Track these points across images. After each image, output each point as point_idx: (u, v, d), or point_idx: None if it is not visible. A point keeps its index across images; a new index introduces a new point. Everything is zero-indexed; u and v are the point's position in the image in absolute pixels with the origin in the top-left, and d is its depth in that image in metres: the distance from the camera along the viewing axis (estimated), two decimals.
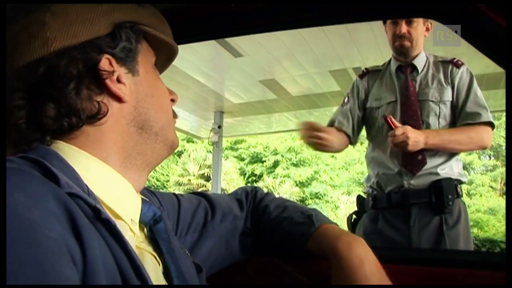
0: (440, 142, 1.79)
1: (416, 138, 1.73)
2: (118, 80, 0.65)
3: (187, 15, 0.80)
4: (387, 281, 0.69)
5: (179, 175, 18.06)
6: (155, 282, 0.59)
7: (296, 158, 19.67)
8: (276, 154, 20.05)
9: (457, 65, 1.90)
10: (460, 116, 1.86)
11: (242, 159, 21.01)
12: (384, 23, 1.94)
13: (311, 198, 18.72)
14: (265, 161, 20.05)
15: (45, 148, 0.60)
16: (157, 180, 19.39)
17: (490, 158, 23.28)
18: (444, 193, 1.77)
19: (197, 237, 0.87)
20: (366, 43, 4.75)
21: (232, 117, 8.18)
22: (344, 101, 2.07)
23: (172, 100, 0.77)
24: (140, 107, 0.68)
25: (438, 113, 1.85)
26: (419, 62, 1.93)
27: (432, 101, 1.86)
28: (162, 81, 0.75)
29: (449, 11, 0.81)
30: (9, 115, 0.61)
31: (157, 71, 0.75)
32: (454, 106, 1.88)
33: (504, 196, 18.40)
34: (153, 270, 0.63)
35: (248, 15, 0.95)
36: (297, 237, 0.82)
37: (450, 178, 1.82)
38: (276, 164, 19.82)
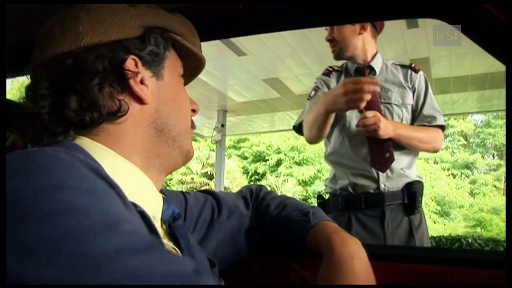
0: (406, 133, 1.80)
1: (386, 122, 1.75)
2: (142, 82, 0.66)
3: (194, 16, 0.81)
4: (373, 282, 0.70)
5: (182, 173, 18.05)
6: None
7: (299, 157, 19.67)
8: (279, 152, 20.05)
9: (416, 70, 1.94)
10: (418, 118, 1.90)
11: (245, 158, 21.03)
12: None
13: (314, 197, 18.69)
14: (268, 159, 20.06)
15: (70, 142, 0.62)
16: None
17: (493, 158, 23.22)
18: (417, 195, 1.81)
19: (204, 234, 0.88)
20: None
21: (235, 115, 8.19)
22: (310, 94, 2.02)
23: (193, 111, 0.79)
24: (161, 110, 0.69)
25: (401, 116, 1.88)
26: (376, 64, 1.93)
27: (396, 105, 1.89)
28: (185, 90, 0.77)
29: (451, 10, 0.81)
30: (33, 104, 0.63)
31: (182, 80, 0.77)
32: (413, 110, 1.92)
33: None
34: None
35: (255, 15, 0.95)
36: (296, 235, 0.83)
37: (419, 181, 1.87)
38: (279, 162, 19.84)
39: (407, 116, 1.90)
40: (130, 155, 0.65)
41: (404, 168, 1.86)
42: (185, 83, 0.81)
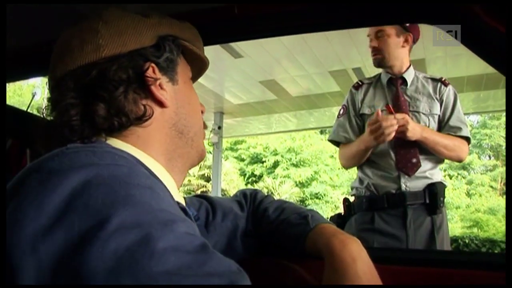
0: (432, 138, 1.89)
1: (414, 125, 1.85)
2: (161, 87, 0.71)
3: (192, 21, 0.82)
4: (378, 281, 0.69)
5: None
6: None
7: (296, 158, 19.67)
8: (276, 154, 20.05)
9: (445, 83, 2.04)
10: (444, 128, 2.00)
11: (242, 160, 21.02)
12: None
13: (311, 199, 18.72)
14: (265, 161, 20.04)
15: (103, 143, 0.65)
16: None
17: (490, 158, 23.30)
18: (438, 195, 1.90)
19: None
20: (365, 44, 4.67)
21: (232, 117, 8.19)
22: (340, 112, 2.14)
23: (202, 112, 0.83)
24: (180, 112, 0.75)
25: (427, 125, 1.98)
26: (409, 76, 2.04)
27: (423, 113, 1.99)
28: (195, 92, 0.82)
29: (446, 16, 0.82)
30: (62, 113, 0.66)
31: (191, 83, 0.83)
32: (440, 120, 2.02)
33: (504, 196, 18.42)
34: None
35: (252, 20, 0.96)
36: (295, 238, 0.83)
37: (442, 182, 1.96)
38: (276, 164, 19.83)
39: (434, 125, 2.00)
40: (157, 156, 0.70)
41: (427, 171, 1.95)
42: None
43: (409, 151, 1.92)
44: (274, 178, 19.20)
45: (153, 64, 0.70)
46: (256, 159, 20.58)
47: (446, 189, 1.98)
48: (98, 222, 0.44)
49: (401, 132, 1.81)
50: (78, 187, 0.47)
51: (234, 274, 0.47)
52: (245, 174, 20.38)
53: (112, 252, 0.42)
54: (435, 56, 5.43)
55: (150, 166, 0.63)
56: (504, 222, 15.44)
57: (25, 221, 0.45)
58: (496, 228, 15.97)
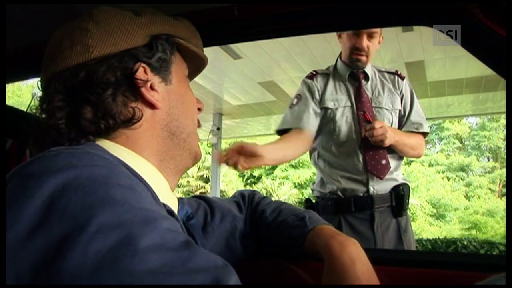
0: (401, 140, 1.84)
1: (391, 132, 1.78)
2: (152, 88, 0.69)
3: (191, 21, 0.82)
4: (377, 283, 0.70)
5: None
6: None
7: (294, 159, 19.67)
8: None
9: (401, 77, 1.99)
10: (405, 124, 1.95)
11: None
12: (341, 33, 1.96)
13: None
14: None
15: (94, 144, 0.64)
16: None
17: (488, 160, 23.33)
18: (405, 197, 1.85)
19: None
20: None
21: (231, 119, 8.20)
22: (293, 102, 2.00)
23: (199, 109, 0.81)
24: (172, 113, 0.72)
25: (391, 121, 1.91)
26: (369, 70, 1.97)
27: (386, 109, 1.92)
28: (191, 91, 0.79)
29: (445, 18, 0.82)
30: (49, 116, 0.65)
31: (188, 81, 0.80)
32: (400, 115, 1.96)
33: (503, 198, 18.44)
34: None
35: (251, 22, 0.96)
36: (293, 240, 0.84)
37: (406, 183, 1.90)
38: (274, 165, 19.81)
39: (396, 120, 1.93)
40: (148, 157, 0.68)
41: (393, 172, 1.88)
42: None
43: (377, 152, 1.84)
44: (273, 179, 19.21)
45: (144, 65, 0.69)
46: None
47: (410, 190, 1.93)
48: (78, 226, 0.43)
49: (381, 141, 1.76)
50: (56, 191, 0.46)
51: (220, 268, 0.46)
52: (244, 175, 20.37)
53: (94, 254, 0.42)
54: (434, 58, 5.44)
55: (139, 167, 0.63)
56: (502, 224, 15.46)
57: (7, 227, 0.44)
58: (494, 230, 16.00)
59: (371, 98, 1.92)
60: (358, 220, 1.84)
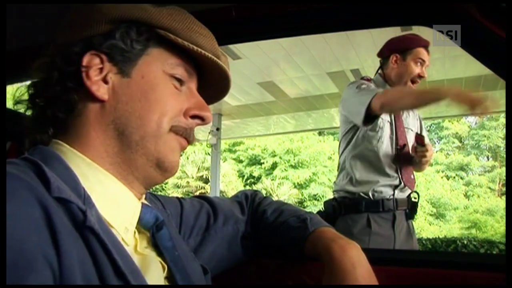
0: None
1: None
2: (104, 80, 0.65)
3: None
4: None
5: (178, 177, 17.99)
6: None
7: (294, 160, 19.65)
8: (274, 156, 20.03)
9: None
10: None
11: (241, 161, 21.00)
12: (404, 57, 2.10)
13: (309, 200, 18.71)
14: (263, 163, 20.02)
15: (48, 149, 0.62)
16: None
17: (488, 159, 23.34)
18: (417, 203, 2.14)
19: (200, 240, 0.88)
20: (363, 45, 4.76)
21: (231, 119, 8.19)
22: (359, 85, 2.02)
23: (202, 119, 0.72)
24: (120, 109, 0.64)
25: (412, 141, 2.15)
26: None
27: (412, 130, 2.19)
28: (168, 91, 0.68)
29: (444, 18, 0.82)
30: (26, 123, 0.68)
31: (168, 79, 0.68)
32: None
33: (502, 197, 18.44)
34: (156, 274, 0.64)
35: (250, 22, 0.96)
36: (294, 241, 0.83)
37: (416, 191, 2.16)
38: (274, 166, 19.81)
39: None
40: (97, 159, 0.63)
41: None
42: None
43: (408, 167, 2.12)
44: (272, 179, 19.19)
45: (95, 52, 0.64)
46: (255, 161, 20.56)
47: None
48: None
49: (426, 162, 2.07)
50: None
51: None
52: (244, 176, 20.37)
53: None
54: (433, 57, 5.39)
55: (91, 175, 0.61)
56: (502, 223, 15.46)
57: None
58: (494, 229, 16.01)
59: (402, 119, 2.15)
60: (383, 219, 2.07)
